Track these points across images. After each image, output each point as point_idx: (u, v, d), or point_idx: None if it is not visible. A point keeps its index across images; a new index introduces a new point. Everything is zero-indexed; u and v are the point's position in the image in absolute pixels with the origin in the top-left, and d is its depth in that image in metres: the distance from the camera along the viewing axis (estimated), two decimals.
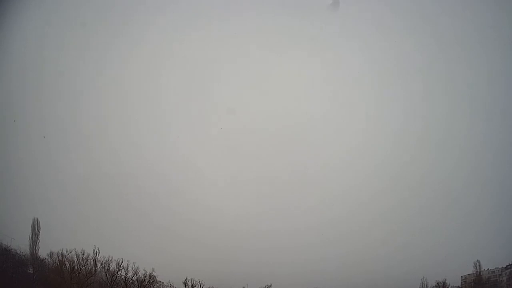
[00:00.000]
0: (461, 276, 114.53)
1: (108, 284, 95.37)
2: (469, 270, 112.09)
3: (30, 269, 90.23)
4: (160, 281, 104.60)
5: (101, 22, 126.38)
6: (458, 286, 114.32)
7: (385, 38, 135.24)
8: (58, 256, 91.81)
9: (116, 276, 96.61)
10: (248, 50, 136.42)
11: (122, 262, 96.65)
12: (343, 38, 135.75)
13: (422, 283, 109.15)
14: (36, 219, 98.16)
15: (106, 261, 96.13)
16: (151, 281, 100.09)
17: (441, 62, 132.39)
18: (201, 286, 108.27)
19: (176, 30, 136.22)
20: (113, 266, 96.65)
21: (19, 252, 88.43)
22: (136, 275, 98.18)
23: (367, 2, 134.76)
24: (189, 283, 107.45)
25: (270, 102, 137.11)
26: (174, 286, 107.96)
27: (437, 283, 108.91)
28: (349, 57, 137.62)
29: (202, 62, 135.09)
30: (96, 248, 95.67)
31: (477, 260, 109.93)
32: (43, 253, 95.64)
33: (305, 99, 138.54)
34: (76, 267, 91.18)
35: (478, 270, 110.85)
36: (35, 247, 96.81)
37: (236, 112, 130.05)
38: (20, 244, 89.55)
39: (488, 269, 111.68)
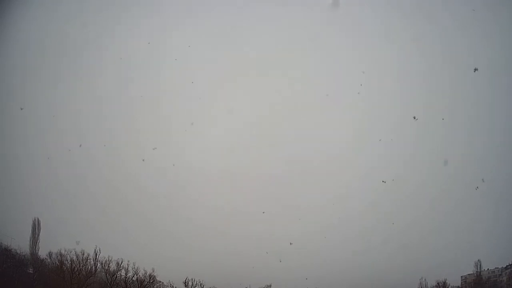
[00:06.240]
0: (461, 276, 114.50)
1: (108, 284, 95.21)
2: (469, 270, 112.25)
3: (30, 269, 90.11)
4: (160, 281, 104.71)
5: (99, 21, 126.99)
6: (458, 286, 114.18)
7: (386, 38, 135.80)
8: (58, 256, 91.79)
9: (116, 276, 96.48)
10: (248, 51, 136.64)
11: (122, 262, 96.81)
12: (343, 38, 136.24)
13: (421, 283, 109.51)
14: (36, 219, 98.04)
15: (106, 261, 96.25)
16: (151, 281, 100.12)
17: (442, 62, 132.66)
18: (202, 286, 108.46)
19: (175, 30, 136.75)
20: (113, 266, 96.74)
21: (19, 252, 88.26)
22: (136, 275, 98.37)
23: (367, 2, 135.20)
24: (190, 283, 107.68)
25: (270, 102, 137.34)
26: (174, 286, 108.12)
27: (438, 283, 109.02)
28: (350, 56, 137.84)
29: (201, 62, 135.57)
30: (97, 248, 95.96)
31: (477, 260, 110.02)
32: (43, 253, 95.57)
33: (307, 99, 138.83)
34: (76, 267, 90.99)
35: (478, 270, 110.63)
36: (35, 247, 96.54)
37: (236, 111, 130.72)
38: (20, 244, 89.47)
39: (488, 269, 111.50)
